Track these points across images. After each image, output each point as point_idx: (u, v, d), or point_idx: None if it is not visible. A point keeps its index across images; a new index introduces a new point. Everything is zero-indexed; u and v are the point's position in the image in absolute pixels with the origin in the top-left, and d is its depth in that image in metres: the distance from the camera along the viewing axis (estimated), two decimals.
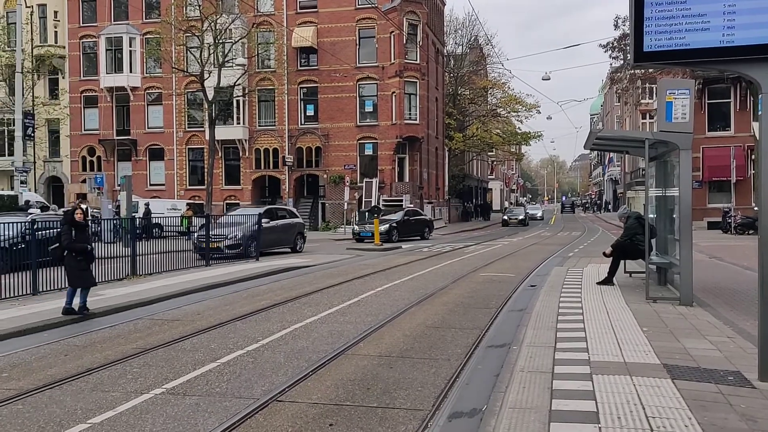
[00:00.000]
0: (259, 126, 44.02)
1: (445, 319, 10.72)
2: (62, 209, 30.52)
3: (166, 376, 7.33)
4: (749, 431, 5.00)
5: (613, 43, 37.67)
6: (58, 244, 10.82)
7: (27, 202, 28.06)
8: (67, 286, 11.21)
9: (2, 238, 14.31)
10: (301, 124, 43.52)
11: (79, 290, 11.09)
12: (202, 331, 9.90)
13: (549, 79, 44.88)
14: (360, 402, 6.37)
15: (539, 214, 66.01)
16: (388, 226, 30.61)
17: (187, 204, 31.75)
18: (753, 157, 33.94)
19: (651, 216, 13.30)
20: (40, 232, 14.29)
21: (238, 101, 42.62)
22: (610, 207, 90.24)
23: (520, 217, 53.68)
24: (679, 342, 8.00)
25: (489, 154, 75.31)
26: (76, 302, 11.05)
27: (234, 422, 5.75)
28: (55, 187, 47.40)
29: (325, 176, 43.15)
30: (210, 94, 37.54)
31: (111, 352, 8.56)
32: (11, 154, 34.53)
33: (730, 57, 6.18)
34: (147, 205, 31.31)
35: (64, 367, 7.87)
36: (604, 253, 13.90)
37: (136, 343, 9.11)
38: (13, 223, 14.52)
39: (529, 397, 5.93)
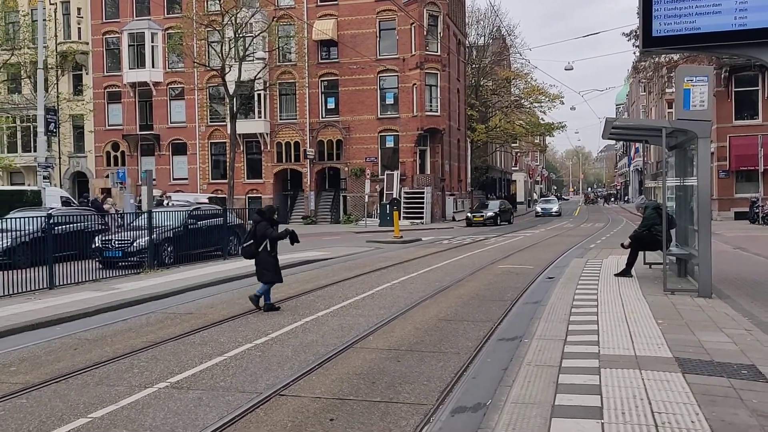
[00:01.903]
0: (281, 119, 44.05)
1: (458, 312, 10.61)
2: (95, 200, 30.97)
3: (172, 370, 7.31)
4: (759, 427, 4.83)
5: (635, 32, 37.06)
6: (252, 241, 11.04)
7: (94, 199, 28.37)
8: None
9: (23, 233, 14.52)
10: (322, 117, 43.49)
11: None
12: (214, 324, 9.89)
13: (572, 69, 44.25)
14: (363, 396, 6.29)
15: (555, 208, 55.80)
16: (149, 239, 16.48)
17: (208, 198, 31.94)
18: None
19: (670, 206, 13.05)
20: (58, 227, 14.39)
21: (259, 95, 42.69)
22: (628, 198, 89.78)
23: (489, 215, 40.31)
24: (694, 335, 7.81)
25: (512, 145, 74.71)
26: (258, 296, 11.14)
27: (234, 417, 5.70)
28: (80, 182, 47.91)
29: (346, 169, 43.09)
30: (231, 88, 37.63)
31: (120, 346, 8.57)
32: (36, 150, 34.95)
33: (743, 41, 5.99)
34: (169, 197, 31.69)
35: (72, 361, 7.89)
36: (623, 245, 13.69)
37: (147, 337, 9.12)
38: (33, 218, 14.61)
39: (533, 391, 5.80)
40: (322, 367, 7.33)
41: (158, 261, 16.77)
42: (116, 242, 16.90)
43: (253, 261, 11.28)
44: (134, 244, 16.75)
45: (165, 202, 30.17)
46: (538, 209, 56.53)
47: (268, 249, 11.09)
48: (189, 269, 16.57)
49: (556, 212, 54.79)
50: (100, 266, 15.81)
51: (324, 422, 5.60)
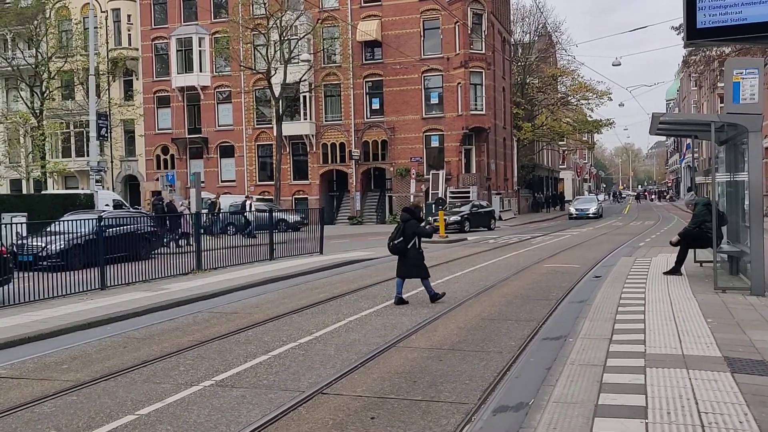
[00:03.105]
0: (326, 121, 44.34)
1: (502, 311, 10.53)
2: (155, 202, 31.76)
3: (217, 369, 7.42)
4: None
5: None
6: (402, 238, 11.49)
7: (169, 201, 29.07)
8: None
9: (76, 235, 14.86)
10: (366, 118, 43.62)
11: (402, 281, 11.66)
12: (258, 323, 10.00)
13: (619, 64, 43.49)
14: (405, 395, 6.29)
15: (592, 209, 45.83)
16: None
17: (245, 198, 32.65)
18: None
19: (721, 202, 12.72)
20: (110, 230, 14.74)
21: (304, 97, 43.05)
22: (669, 195, 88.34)
23: (452, 219, 32.25)
24: (745, 334, 7.61)
25: (560, 143, 73.85)
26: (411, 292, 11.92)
27: (276, 415, 5.76)
28: (131, 186, 48.98)
29: (391, 169, 43.15)
30: (277, 91, 38.09)
31: (167, 345, 8.74)
32: (89, 154, 35.89)
33: None
34: (251, 198, 32.94)
35: (121, 359, 8.07)
36: (671, 242, 13.41)
37: (193, 336, 9.27)
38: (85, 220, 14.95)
39: (576, 390, 5.72)
40: (364, 365, 7.35)
41: None
42: None
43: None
44: None
45: (249, 203, 30.89)
46: (572, 210, 46.98)
47: (417, 246, 11.55)
48: (236, 270, 16.79)
49: (593, 214, 45.27)
50: None
51: (365, 420, 5.62)
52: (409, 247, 11.49)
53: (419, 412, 5.80)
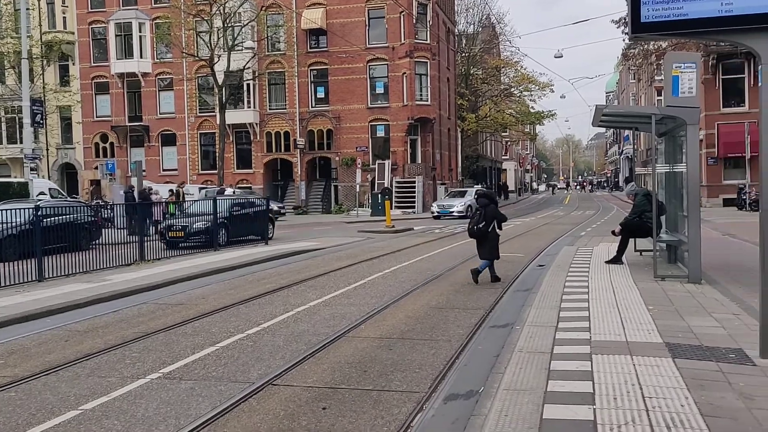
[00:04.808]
0: (270, 109, 43.89)
1: (449, 300, 10.64)
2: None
3: (164, 361, 7.29)
4: (746, 410, 4.87)
5: (624, 19, 37.07)
6: (484, 222, 12.04)
7: (141, 190, 27.94)
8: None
9: (10, 225, 14.37)
10: (312, 107, 43.36)
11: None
12: (205, 315, 9.87)
13: (561, 56, 44.21)
14: (356, 385, 6.29)
15: (457, 208, 35.80)
16: None
17: (170, 190, 31.63)
18: None
19: (660, 193, 13.08)
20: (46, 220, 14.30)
21: (248, 85, 42.50)
22: (591, 187, 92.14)
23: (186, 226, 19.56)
24: (684, 320, 7.86)
25: (503, 134, 74.80)
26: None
27: (227, 407, 5.69)
28: (69, 174, 47.61)
29: (337, 159, 43.02)
30: (220, 79, 37.51)
31: (112, 337, 8.54)
32: (23, 141, 34.69)
33: (729, 27, 5.96)
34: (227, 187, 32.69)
35: (62, 353, 7.85)
36: (613, 232, 13.75)
37: (138, 328, 9.08)
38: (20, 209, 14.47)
39: (525, 378, 5.83)
40: (314, 356, 7.32)
41: None
42: None
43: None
44: None
45: (230, 191, 30.23)
46: (434, 208, 37.22)
47: (497, 229, 12.26)
48: (180, 260, 16.52)
49: (459, 213, 35.12)
50: None
51: (316, 411, 5.60)
52: (489, 230, 12.08)
53: (371, 401, 5.81)
